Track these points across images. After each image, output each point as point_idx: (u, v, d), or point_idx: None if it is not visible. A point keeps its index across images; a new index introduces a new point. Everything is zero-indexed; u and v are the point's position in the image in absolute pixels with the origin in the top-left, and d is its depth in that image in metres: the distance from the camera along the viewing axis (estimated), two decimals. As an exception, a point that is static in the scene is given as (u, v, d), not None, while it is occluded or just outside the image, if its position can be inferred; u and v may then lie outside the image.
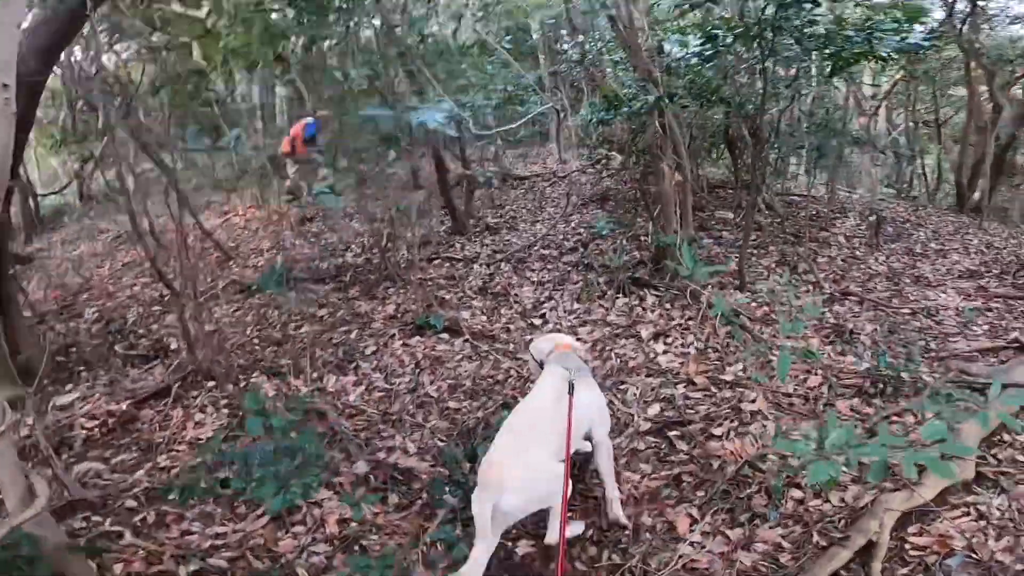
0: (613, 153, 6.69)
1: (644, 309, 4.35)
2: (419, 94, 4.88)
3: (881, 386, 3.07)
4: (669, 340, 3.90)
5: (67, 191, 10.75)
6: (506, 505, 2.14)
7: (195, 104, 7.46)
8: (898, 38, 3.89)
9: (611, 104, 4.75)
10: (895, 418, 2.86)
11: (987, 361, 3.36)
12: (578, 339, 4.03)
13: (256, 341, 4.84)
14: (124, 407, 4.02)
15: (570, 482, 2.22)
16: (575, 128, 7.44)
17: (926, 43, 4.27)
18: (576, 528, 2.49)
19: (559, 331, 4.18)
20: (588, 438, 2.57)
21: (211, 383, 4.20)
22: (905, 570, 2.10)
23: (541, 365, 2.70)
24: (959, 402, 2.56)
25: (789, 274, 4.71)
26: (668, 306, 4.29)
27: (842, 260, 5.10)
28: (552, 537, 2.34)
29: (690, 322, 4.09)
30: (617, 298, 4.39)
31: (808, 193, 5.92)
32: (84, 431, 3.88)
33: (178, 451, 3.60)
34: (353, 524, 2.75)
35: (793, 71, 4.98)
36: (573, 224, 6.29)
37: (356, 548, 2.65)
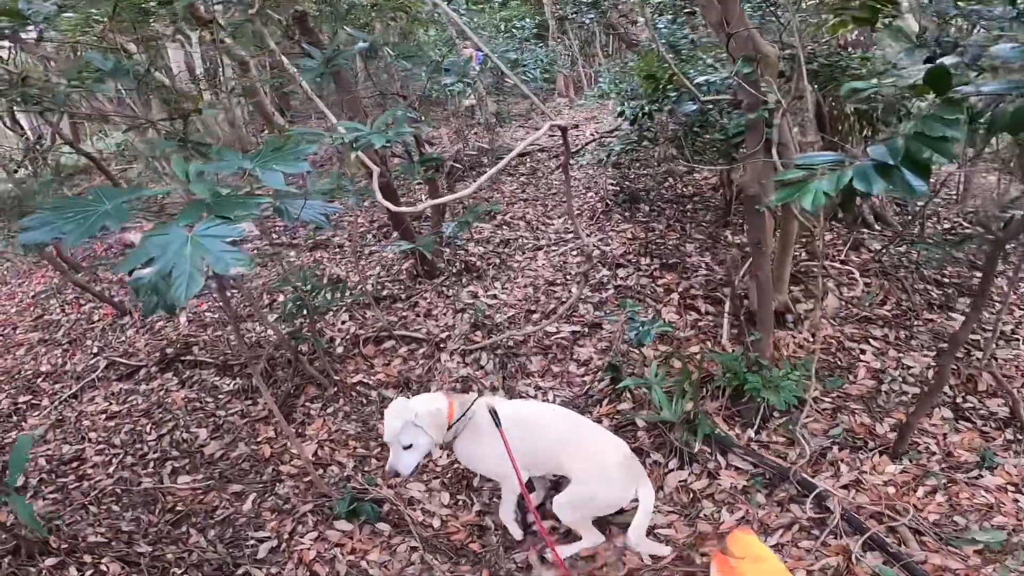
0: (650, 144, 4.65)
1: (716, 502, 2.51)
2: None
3: None
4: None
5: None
6: None
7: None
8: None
9: (657, 91, 2.76)
10: None
11: None
12: None
13: (119, 493, 3.22)
14: None
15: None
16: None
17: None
18: None
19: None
20: None
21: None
22: None
23: None
24: None
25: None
26: (763, 499, 2.43)
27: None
28: None
29: (807, 552, 2.24)
30: (668, 471, 2.53)
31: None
32: None
33: None
34: None
35: None
36: (595, 251, 4.35)
37: None
